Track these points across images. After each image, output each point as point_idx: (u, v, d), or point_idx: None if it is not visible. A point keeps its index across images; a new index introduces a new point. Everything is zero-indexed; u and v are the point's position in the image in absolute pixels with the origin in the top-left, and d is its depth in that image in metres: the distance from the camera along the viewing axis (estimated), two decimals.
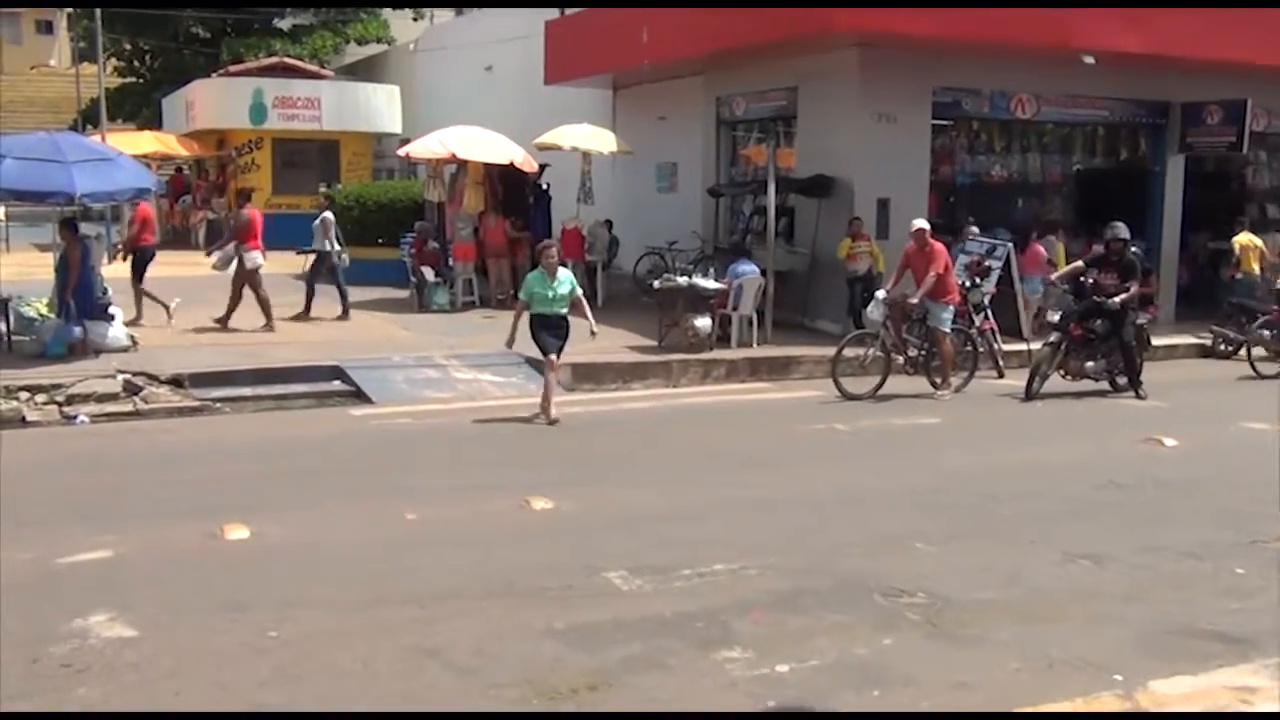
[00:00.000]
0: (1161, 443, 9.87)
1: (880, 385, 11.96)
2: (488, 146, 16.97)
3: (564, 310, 10.52)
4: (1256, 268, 16.85)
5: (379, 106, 27.99)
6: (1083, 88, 16.74)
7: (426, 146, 17.18)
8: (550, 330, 10.46)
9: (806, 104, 16.40)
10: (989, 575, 6.37)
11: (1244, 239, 17.05)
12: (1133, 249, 12.54)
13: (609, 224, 19.05)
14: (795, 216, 16.92)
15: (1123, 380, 12.35)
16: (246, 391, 11.34)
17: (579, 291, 10.67)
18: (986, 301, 13.96)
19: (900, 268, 12.51)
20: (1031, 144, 17.48)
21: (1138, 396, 12.13)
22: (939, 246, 12.21)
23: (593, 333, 10.75)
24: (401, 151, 18.57)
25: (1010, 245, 15.09)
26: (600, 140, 18.07)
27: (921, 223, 12.35)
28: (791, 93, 16.67)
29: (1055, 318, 12.18)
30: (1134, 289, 12.08)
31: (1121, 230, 12.26)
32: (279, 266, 20.83)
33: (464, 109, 22.83)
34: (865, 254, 14.98)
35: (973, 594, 6.05)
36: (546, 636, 5.35)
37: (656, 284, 14.35)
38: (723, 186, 18.29)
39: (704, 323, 13.53)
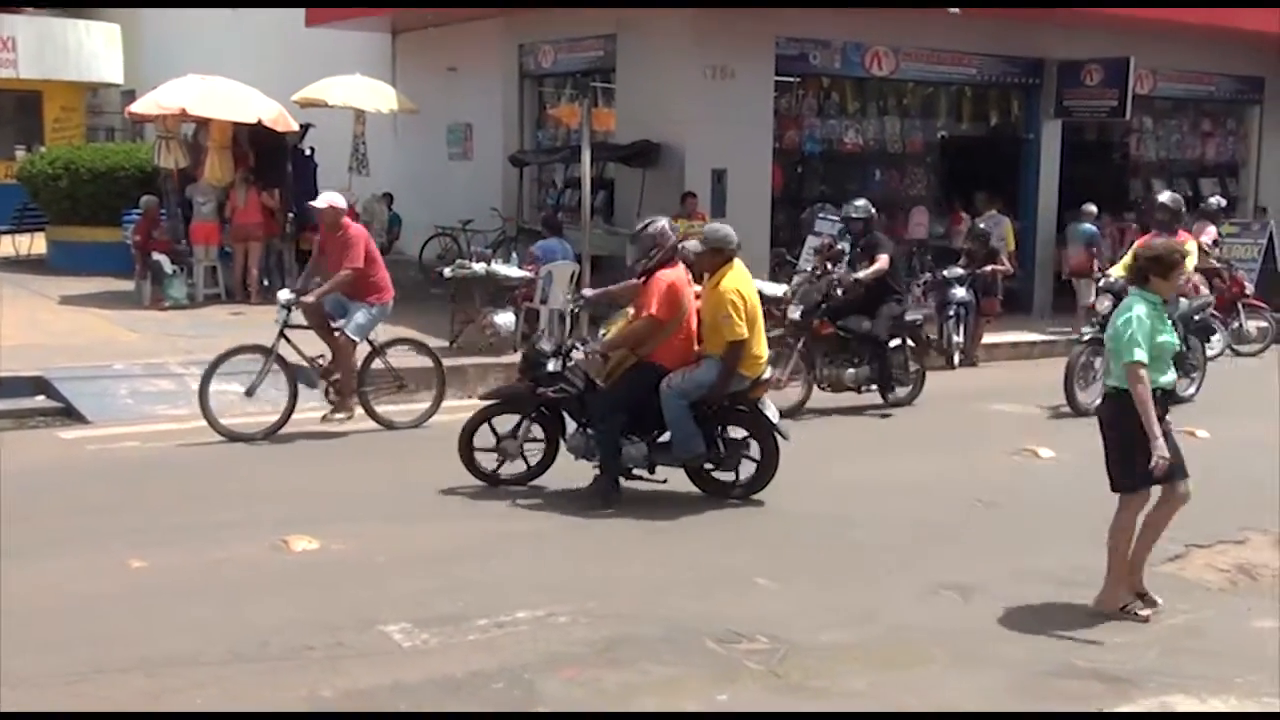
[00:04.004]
0: (1037, 454, 10.39)
1: (282, 423, 10.50)
2: (232, 102, 16.61)
3: None
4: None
5: (94, 50, 27.09)
6: (947, 42, 17.44)
7: (155, 101, 16.71)
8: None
9: (628, 55, 16.60)
10: (840, 614, 6.59)
11: None
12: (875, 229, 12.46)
13: (389, 199, 18.89)
14: (615, 190, 17.10)
15: (903, 391, 12.30)
16: None
17: None
18: (839, 293, 14.31)
19: (314, 259, 11.31)
20: (890, 106, 18.15)
21: (885, 403, 12.09)
22: (358, 231, 10.97)
23: None
24: (127, 110, 18.01)
25: None
26: (376, 96, 17.90)
27: (330, 198, 11.06)
28: (610, 41, 16.85)
29: (796, 315, 11.98)
30: (881, 263, 12.02)
31: (859, 208, 12.41)
32: None
33: (205, 56, 22.25)
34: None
35: (822, 636, 6.25)
36: (310, 707, 5.30)
37: (448, 272, 14.27)
38: (527, 154, 18.35)
39: (506, 319, 13.52)
